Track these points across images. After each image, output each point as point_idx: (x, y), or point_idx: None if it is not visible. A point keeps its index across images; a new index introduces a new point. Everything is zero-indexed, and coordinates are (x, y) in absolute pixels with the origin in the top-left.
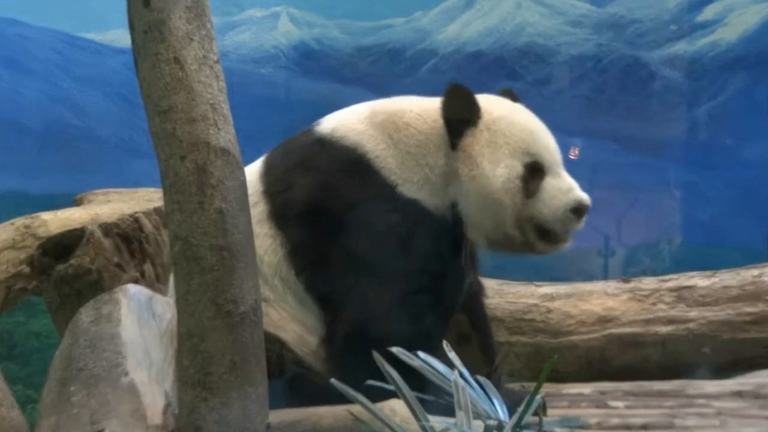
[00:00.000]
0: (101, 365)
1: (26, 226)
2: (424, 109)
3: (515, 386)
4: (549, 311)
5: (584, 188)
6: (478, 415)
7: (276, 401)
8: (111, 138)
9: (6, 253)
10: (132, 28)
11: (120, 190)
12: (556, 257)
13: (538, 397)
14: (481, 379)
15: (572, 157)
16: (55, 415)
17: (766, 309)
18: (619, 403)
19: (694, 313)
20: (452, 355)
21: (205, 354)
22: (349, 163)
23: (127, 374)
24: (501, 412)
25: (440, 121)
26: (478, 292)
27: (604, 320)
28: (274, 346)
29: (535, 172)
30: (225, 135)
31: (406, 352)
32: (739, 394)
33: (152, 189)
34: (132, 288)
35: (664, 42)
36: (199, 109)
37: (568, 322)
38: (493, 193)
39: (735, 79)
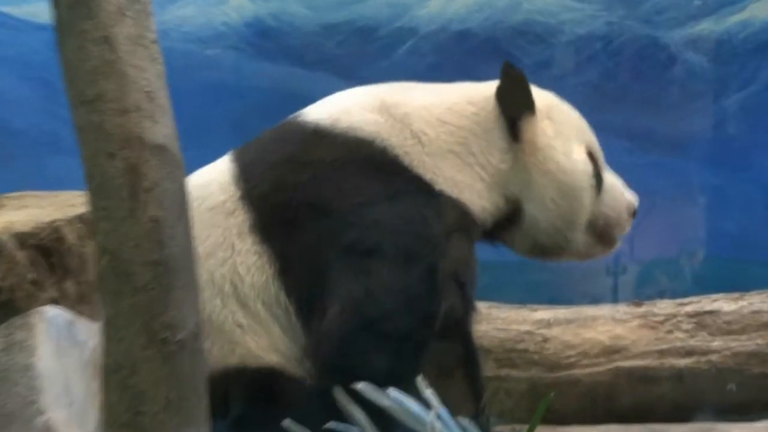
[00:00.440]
0: (12, 402)
1: None
2: (450, 101)
3: (505, 429)
4: (545, 340)
5: None
6: None
7: None
8: (28, 130)
9: None
10: (54, 0)
11: (38, 193)
12: (555, 275)
13: None
14: (464, 421)
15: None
16: None
17: None
18: None
19: (717, 343)
20: (428, 392)
21: (135, 389)
22: (364, 157)
23: (42, 413)
24: None
25: (484, 112)
26: (465, 317)
27: (610, 351)
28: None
29: (595, 166)
30: (162, 129)
31: (376, 389)
32: None
33: (76, 192)
34: (50, 310)
35: (687, 20)
36: (133, 97)
37: (568, 353)
38: (575, 190)
39: None
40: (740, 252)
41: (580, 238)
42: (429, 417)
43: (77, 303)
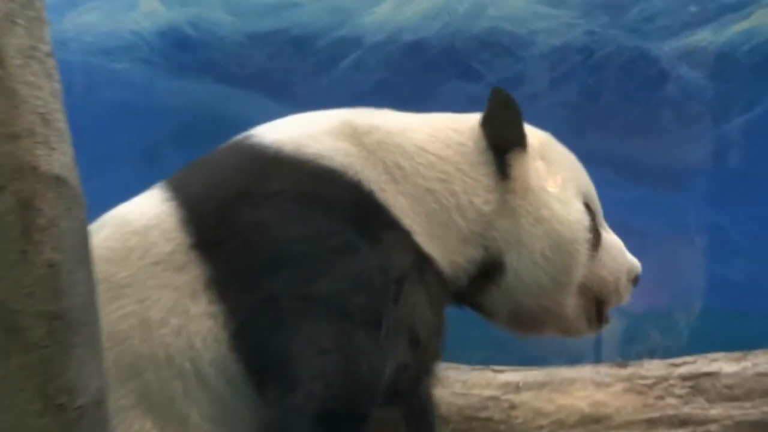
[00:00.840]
0: None
1: None
2: (436, 128)
3: None
4: (513, 407)
5: None
6: None
7: None
8: None
9: None
10: None
11: None
12: None
13: None
14: None
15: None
16: None
17: None
18: None
19: (716, 411)
20: None
21: None
22: (336, 192)
23: None
24: None
25: (471, 142)
26: (419, 378)
27: (590, 420)
28: None
29: (592, 220)
30: (60, 157)
31: None
32: None
33: None
34: None
35: (681, 29)
36: (24, 120)
37: (539, 422)
38: (571, 243)
39: None
40: (744, 303)
41: (570, 303)
42: None
43: None
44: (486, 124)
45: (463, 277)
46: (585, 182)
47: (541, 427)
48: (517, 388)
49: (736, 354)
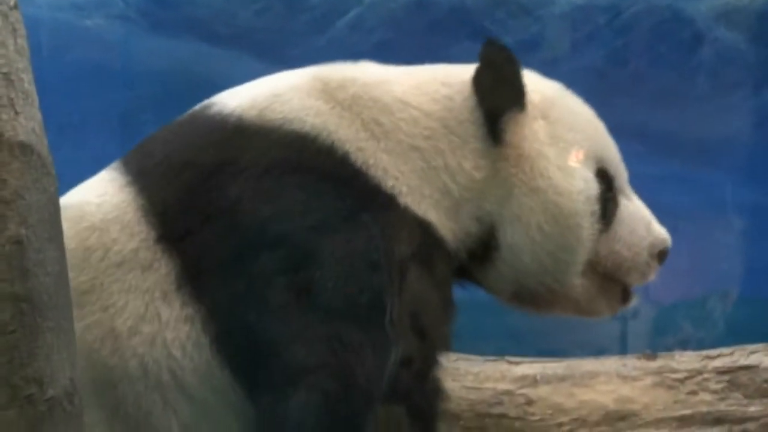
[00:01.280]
0: None
1: None
2: (421, 80)
3: None
4: (530, 402)
5: None
6: None
7: None
8: None
9: None
10: None
11: None
12: (544, 318)
13: None
14: None
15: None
16: None
17: None
18: None
19: (755, 408)
20: None
21: None
22: (308, 160)
23: None
24: None
25: (460, 97)
26: (424, 372)
27: (615, 417)
28: None
29: (607, 189)
30: (26, 123)
31: None
32: None
33: None
34: None
35: None
36: None
37: (558, 419)
38: (571, 217)
39: None
40: None
41: (577, 283)
42: None
43: None
44: (476, 82)
45: (462, 250)
46: (601, 143)
47: (561, 424)
48: (534, 381)
49: None
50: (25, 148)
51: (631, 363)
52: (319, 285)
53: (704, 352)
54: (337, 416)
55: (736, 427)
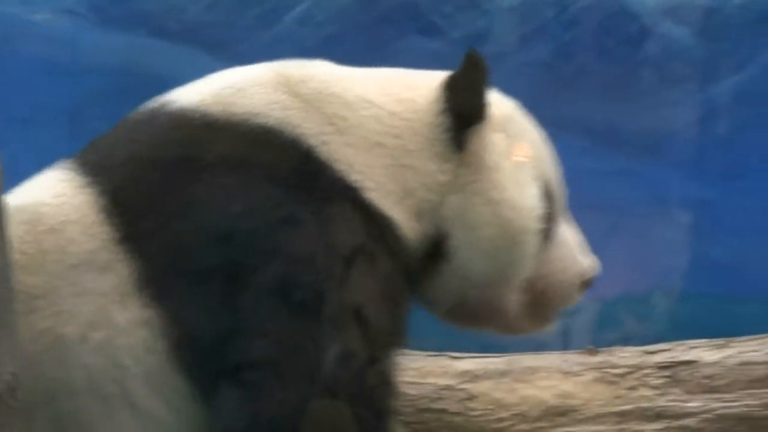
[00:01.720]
0: None
1: None
2: (383, 81)
3: None
4: (471, 398)
5: None
6: None
7: None
8: None
9: None
10: None
11: None
12: None
13: None
14: None
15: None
16: None
17: None
18: None
19: (695, 404)
20: None
21: None
22: (273, 154)
23: None
24: None
25: (425, 101)
26: (367, 367)
27: (555, 412)
28: None
29: (549, 210)
30: None
31: None
32: None
33: None
34: None
35: None
36: None
37: (499, 414)
38: (521, 233)
39: None
40: (728, 286)
41: (513, 299)
42: None
43: None
44: (450, 87)
45: (419, 251)
46: (548, 165)
47: (502, 419)
48: (475, 377)
49: (718, 341)
50: None
51: (572, 358)
52: (274, 278)
53: (645, 348)
54: (279, 413)
55: (676, 423)
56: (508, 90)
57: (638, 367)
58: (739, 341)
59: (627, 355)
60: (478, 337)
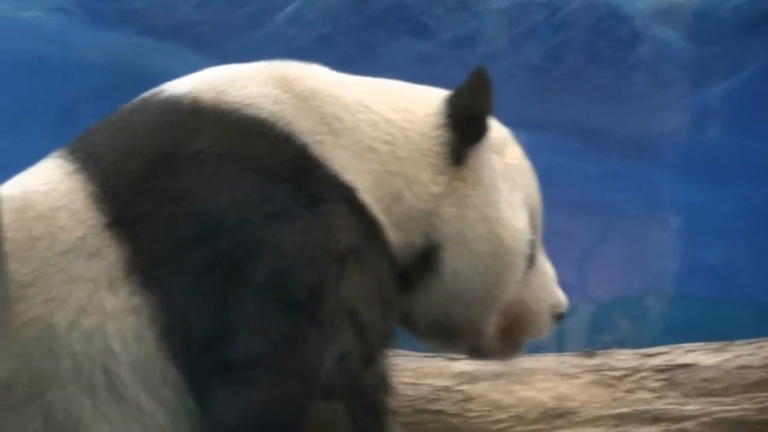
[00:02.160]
0: None
1: None
2: (380, 89)
3: None
4: (468, 399)
5: None
6: None
7: None
8: None
9: None
10: None
11: None
12: None
13: None
14: None
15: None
16: None
17: None
18: None
19: (693, 407)
20: None
21: None
22: (266, 147)
23: None
24: None
25: (421, 112)
26: (362, 368)
27: (553, 415)
28: None
29: (533, 237)
30: None
31: None
32: None
33: None
34: None
35: None
36: None
37: (496, 416)
38: (511, 254)
39: (764, 46)
40: (723, 290)
41: (492, 321)
42: None
43: None
44: (456, 102)
45: (402, 262)
46: (536, 194)
47: (499, 421)
48: (472, 378)
49: (715, 344)
50: None
51: (570, 360)
52: (268, 273)
53: (642, 350)
54: (271, 411)
55: (674, 426)
56: (499, 92)
57: (636, 370)
58: (737, 345)
59: (624, 358)
60: None
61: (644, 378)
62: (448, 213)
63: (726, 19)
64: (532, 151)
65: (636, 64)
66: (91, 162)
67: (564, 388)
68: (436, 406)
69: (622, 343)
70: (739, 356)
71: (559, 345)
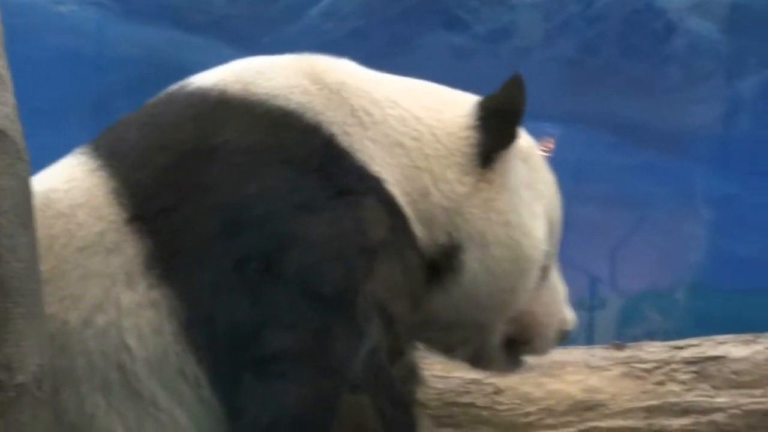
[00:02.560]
0: None
1: None
2: (411, 88)
3: None
4: (498, 392)
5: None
6: None
7: None
8: None
9: None
10: None
11: None
12: None
13: None
14: None
15: (543, 153)
16: None
17: None
18: None
19: (723, 399)
20: None
21: None
22: (294, 138)
23: None
24: None
25: (450, 113)
26: (391, 361)
27: (582, 407)
28: None
29: (549, 250)
30: (0, 107)
31: None
32: None
33: None
34: None
35: None
36: None
37: (526, 409)
38: (528, 261)
39: None
40: (755, 281)
41: (499, 330)
42: None
43: None
44: (490, 105)
45: (428, 259)
46: (556, 207)
47: (528, 414)
48: None
49: (746, 336)
50: None
51: (599, 353)
52: (298, 267)
53: (672, 343)
54: (305, 406)
55: (704, 418)
56: (533, 85)
57: (666, 362)
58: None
59: (654, 350)
60: None
61: (674, 370)
62: (471, 214)
63: (761, 12)
64: (566, 144)
65: (670, 57)
66: (115, 158)
67: (594, 380)
68: (465, 399)
69: (651, 336)
70: None
71: (588, 338)
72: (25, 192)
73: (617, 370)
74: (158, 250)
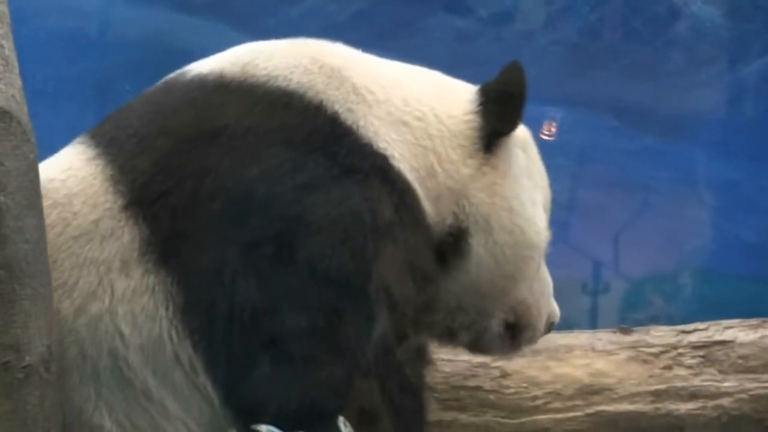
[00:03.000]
0: None
1: None
2: (411, 72)
3: None
4: (504, 375)
5: (564, 186)
6: None
7: None
8: None
9: None
10: None
11: None
12: None
13: None
14: None
15: (546, 137)
16: None
17: None
18: None
19: (730, 384)
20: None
21: None
22: (295, 117)
23: None
24: None
25: (452, 98)
26: (397, 345)
27: (589, 391)
28: None
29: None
30: (6, 89)
31: None
32: None
33: None
34: None
35: None
36: None
37: (533, 392)
38: (529, 248)
39: None
40: (759, 267)
41: (499, 316)
42: None
43: None
44: (493, 90)
45: (436, 242)
46: (548, 199)
47: (536, 397)
48: None
49: (753, 321)
50: (5, 115)
51: (606, 337)
52: (306, 249)
53: (679, 327)
54: (322, 386)
55: (710, 403)
56: (536, 69)
57: (673, 347)
58: None
59: (661, 335)
60: None
61: (681, 355)
62: (476, 198)
63: None
64: (568, 128)
65: (674, 41)
66: (113, 146)
67: (600, 364)
68: (473, 383)
69: (655, 320)
70: None
71: (592, 322)
72: (32, 173)
73: (624, 354)
74: (155, 236)
